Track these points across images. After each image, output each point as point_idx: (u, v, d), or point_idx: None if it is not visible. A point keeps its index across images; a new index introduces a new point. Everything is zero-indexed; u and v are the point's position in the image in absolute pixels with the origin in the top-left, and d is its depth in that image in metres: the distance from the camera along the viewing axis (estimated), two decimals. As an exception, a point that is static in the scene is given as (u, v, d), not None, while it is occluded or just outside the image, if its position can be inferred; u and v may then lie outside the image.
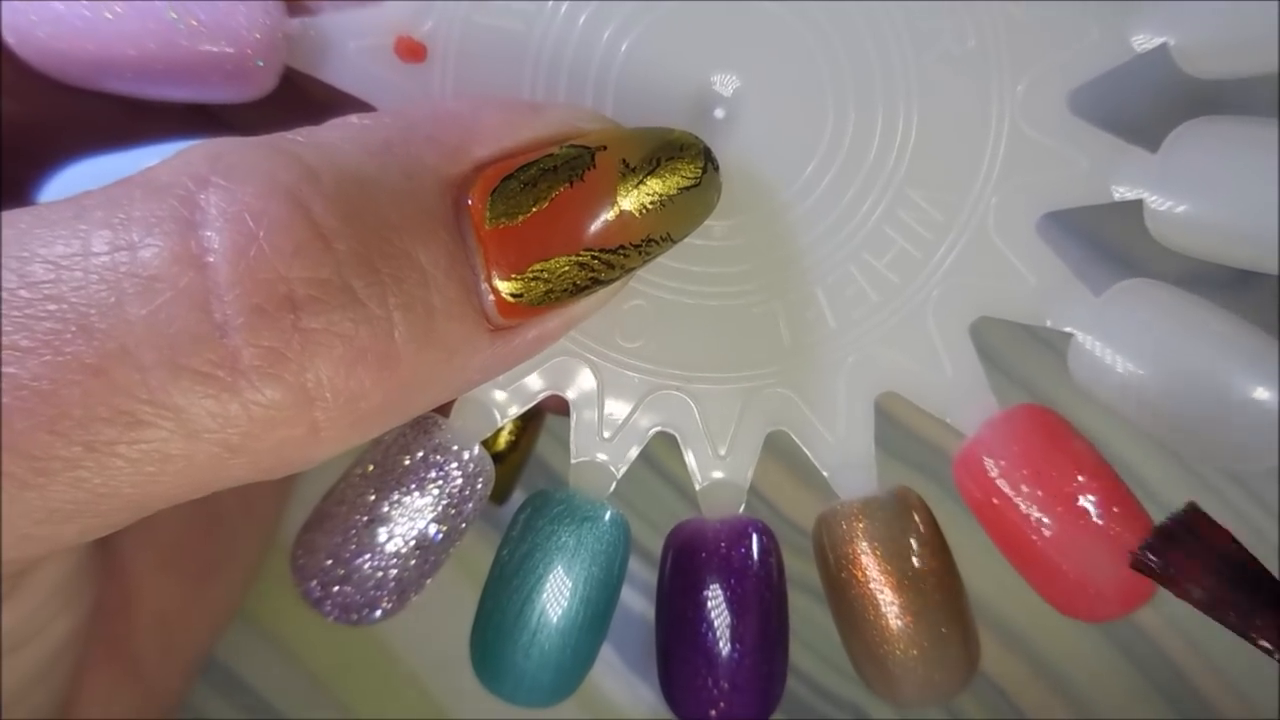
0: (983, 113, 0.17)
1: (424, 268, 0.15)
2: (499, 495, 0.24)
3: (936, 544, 0.19)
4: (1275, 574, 0.27)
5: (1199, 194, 0.17)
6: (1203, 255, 0.18)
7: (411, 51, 0.17)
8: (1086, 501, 0.18)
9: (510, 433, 0.23)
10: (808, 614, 0.25)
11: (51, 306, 0.13)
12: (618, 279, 0.16)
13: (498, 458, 0.22)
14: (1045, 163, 0.17)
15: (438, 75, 0.17)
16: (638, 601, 0.27)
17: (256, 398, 0.14)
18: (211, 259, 0.14)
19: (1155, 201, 0.17)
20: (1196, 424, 0.18)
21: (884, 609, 0.19)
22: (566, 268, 0.15)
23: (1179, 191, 0.17)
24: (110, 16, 0.17)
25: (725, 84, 0.17)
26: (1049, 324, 0.18)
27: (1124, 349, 0.18)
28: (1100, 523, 0.18)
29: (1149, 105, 0.19)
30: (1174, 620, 0.27)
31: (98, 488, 0.14)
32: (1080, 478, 0.18)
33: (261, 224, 0.14)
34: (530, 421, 0.23)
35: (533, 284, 0.15)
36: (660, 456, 0.26)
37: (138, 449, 0.14)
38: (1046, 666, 0.27)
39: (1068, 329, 0.18)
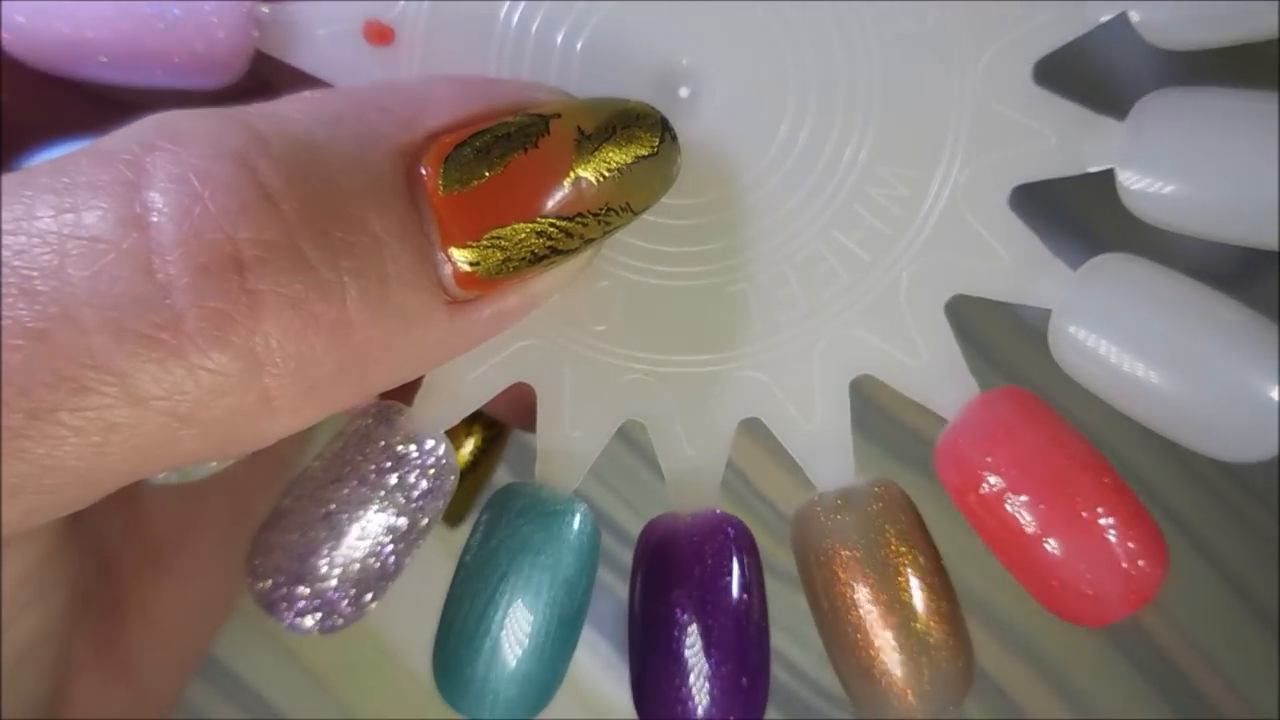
0: (946, 88, 0.16)
1: (377, 233, 0.14)
2: (455, 516, 0.22)
3: (919, 539, 0.17)
4: (1275, 575, 0.25)
5: (1170, 167, 0.16)
6: (1179, 229, 0.16)
7: (380, 35, 0.17)
8: (1077, 494, 0.17)
9: (473, 450, 0.22)
10: (808, 613, 0.23)
11: None
12: (577, 250, 0.15)
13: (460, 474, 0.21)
14: (1012, 137, 0.16)
15: (405, 58, 0.17)
16: (622, 588, 0.25)
17: (203, 362, 0.13)
18: (155, 219, 0.13)
19: (1126, 177, 0.16)
20: (1184, 410, 0.16)
21: (864, 611, 0.17)
22: (524, 235, 0.14)
23: (1149, 165, 0.16)
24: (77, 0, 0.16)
25: (690, 62, 0.16)
26: (1026, 301, 0.17)
27: (1104, 327, 0.16)
28: (1094, 517, 0.16)
29: (1119, 69, 0.18)
30: (1174, 620, 0.25)
31: (41, 459, 0.13)
32: (1069, 467, 0.17)
33: (207, 184, 0.13)
34: (494, 441, 0.22)
35: (489, 252, 0.14)
36: (642, 439, 0.25)
37: (81, 416, 0.13)
38: (1046, 666, 0.26)
39: (1045, 305, 0.17)
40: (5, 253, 0.13)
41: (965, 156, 0.16)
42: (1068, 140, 0.16)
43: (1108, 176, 0.16)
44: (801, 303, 0.17)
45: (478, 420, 0.22)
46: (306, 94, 0.15)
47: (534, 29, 0.16)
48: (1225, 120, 0.16)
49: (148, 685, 0.22)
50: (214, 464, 0.18)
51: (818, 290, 0.17)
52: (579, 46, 0.16)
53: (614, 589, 0.26)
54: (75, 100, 0.17)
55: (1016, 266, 0.16)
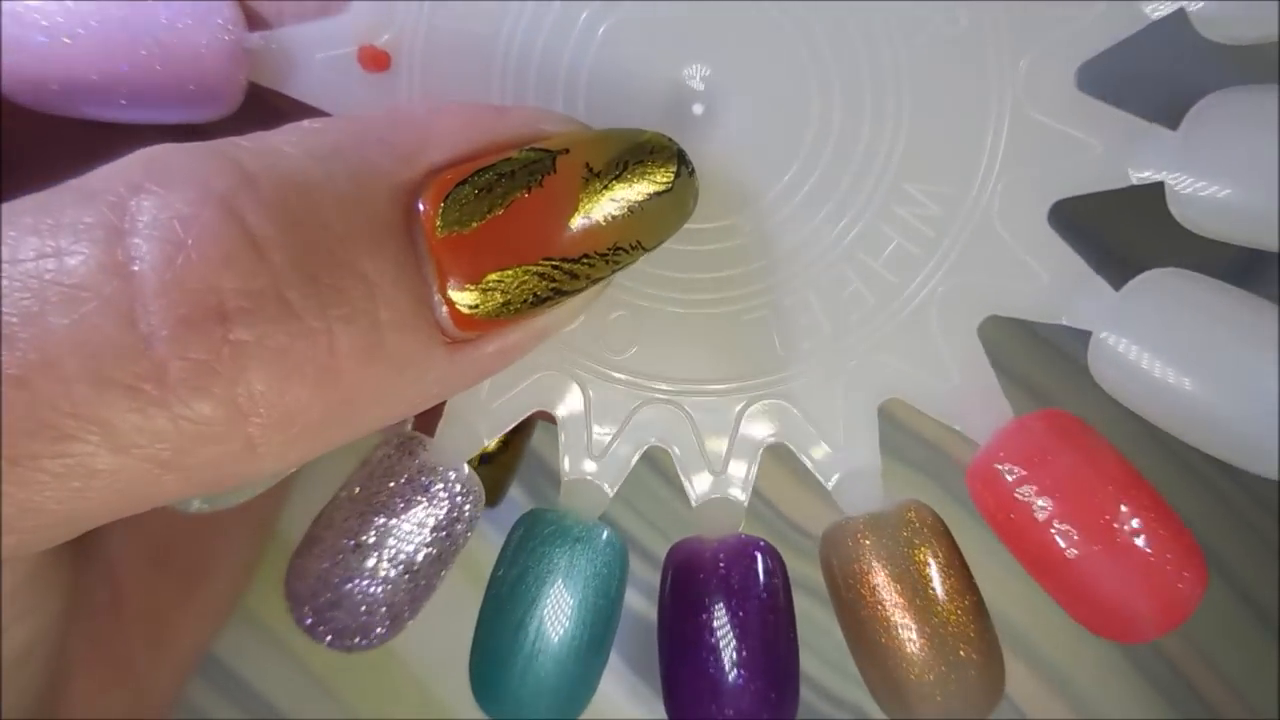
0: (982, 96, 0.15)
1: (369, 278, 0.13)
2: (493, 497, 0.22)
3: (951, 561, 0.17)
4: (1275, 575, 0.24)
5: (1228, 173, 0.15)
6: (1232, 239, 0.15)
7: (375, 60, 0.16)
8: (1118, 516, 0.16)
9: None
10: (809, 615, 0.23)
11: None
12: (584, 289, 0.14)
13: (489, 458, 0.21)
14: (1054, 147, 0.15)
15: (404, 83, 0.16)
16: (638, 601, 0.25)
17: (185, 412, 0.13)
18: (137, 267, 0.12)
19: (1179, 182, 0.15)
20: (1235, 428, 0.15)
21: (896, 631, 0.17)
22: (525, 278, 0.14)
23: (1206, 170, 0.15)
24: (69, 41, 0.15)
25: (702, 78, 0.15)
26: (1065, 321, 0.16)
27: (1151, 345, 0.15)
28: (1134, 538, 0.16)
29: (1166, 78, 0.17)
30: None
31: (22, 503, 0.13)
32: (1109, 489, 0.16)
33: (191, 231, 0.13)
34: (519, 429, 0.22)
35: (488, 295, 0.14)
36: (666, 463, 0.25)
37: (62, 463, 0.13)
38: (1046, 666, 0.25)
39: (1086, 326, 0.16)
40: None
41: (1002, 170, 0.15)
42: (1114, 150, 0.15)
43: (1133, 196, 0.15)
44: (825, 329, 0.16)
45: None
46: (304, 124, 0.14)
47: (538, 48, 0.15)
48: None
49: (147, 686, 0.22)
50: (248, 493, 0.18)
51: (843, 316, 0.16)
52: (586, 65, 0.15)
53: (629, 604, 0.26)
54: (70, 123, 0.17)
55: (1055, 285, 0.15)
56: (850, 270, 0.16)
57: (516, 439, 0.22)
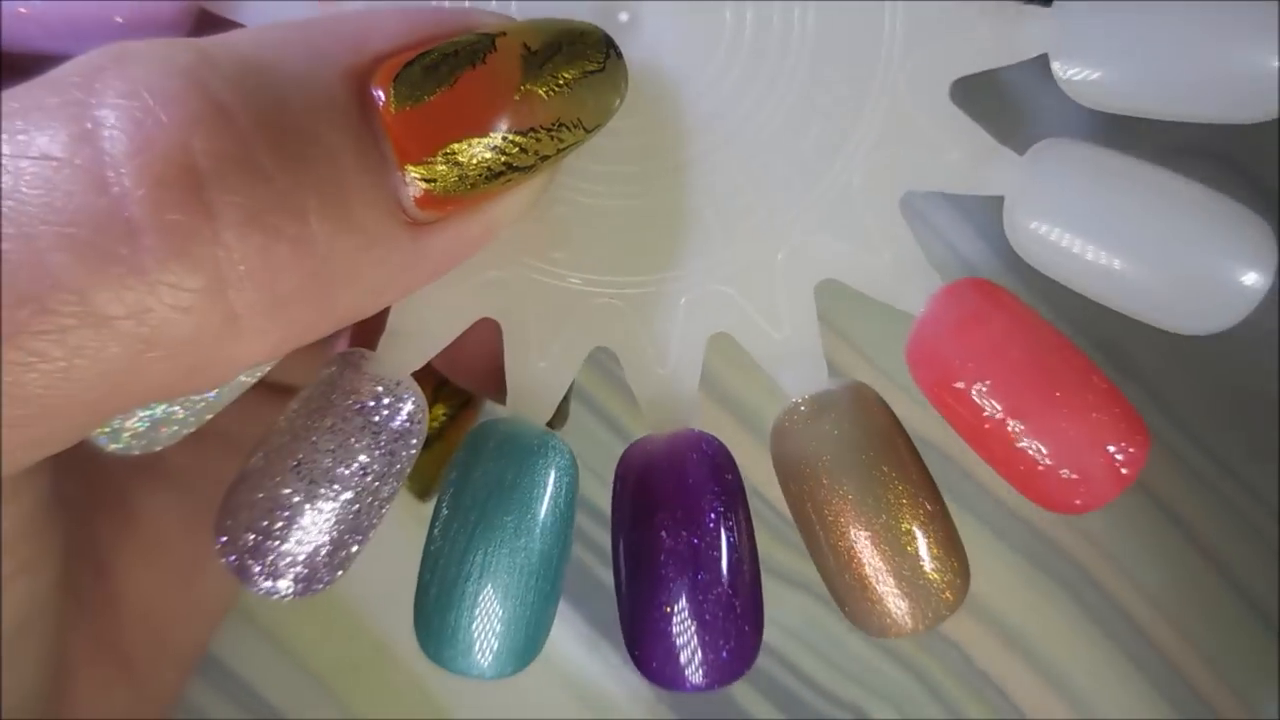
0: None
1: (332, 147, 0.14)
2: (423, 489, 0.21)
3: (898, 441, 0.17)
4: (1275, 575, 0.25)
5: (1099, 52, 0.16)
6: (1121, 111, 0.17)
7: (322, -14, 0.17)
8: (1052, 377, 0.16)
9: (440, 419, 0.21)
10: (808, 613, 0.23)
11: None
12: (533, 169, 0.15)
13: (428, 443, 0.20)
14: (947, 27, 0.16)
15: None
16: None
17: (163, 276, 0.13)
18: (107, 134, 0.13)
19: (1059, 67, 0.16)
20: (1145, 286, 0.16)
21: (847, 520, 0.16)
22: (478, 150, 0.14)
23: (1079, 52, 0.16)
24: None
25: (627, -13, 0.17)
26: (978, 191, 0.17)
27: (1058, 213, 0.16)
28: (1070, 399, 0.16)
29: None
30: (1174, 620, 0.25)
31: (8, 388, 0.12)
32: (1040, 350, 0.16)
33: (158, 98, 0.13)
34: (463, 409, 0.21)
35: (445, 169, 0.14)
36: (603, 400, 0.25)
37: (44, 339, 0.12)
38: (1046, 666, 0.25)
39: (996, 193, 0.16)
40: None
41: (904, 51, 0.16)
42: (1000, 31, 0.16)
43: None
44: (758, 212, 0.16)
45: (444, 388, 0.21)
46: (253, 27, 0.15)
47: (473, -33, 0.16)
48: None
49: (148, 684, 0.22)
50: (175, 428, 0.17)
51: (774, 198, 0.16)
52: (517, -17, 0.16)
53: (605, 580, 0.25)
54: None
55: (965, 158, 0.16)
56: (777, 155, 0.16)
57: (454, 428, 0.22)
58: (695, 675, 0.16)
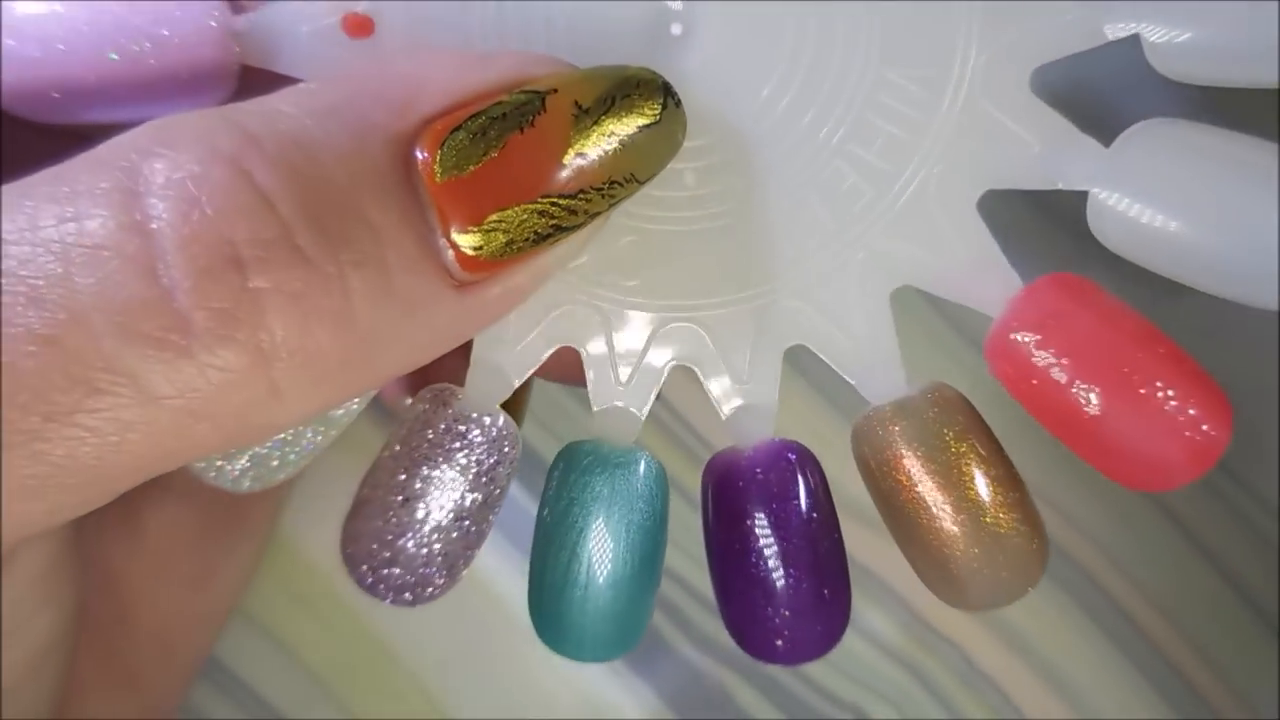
0: (950, -26, 0.15)
1: (375, 224, 0.14)
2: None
3: (980, 436, 0.17)
4: (1275, 575, 0.24)
5: (1199, 18, 0.15)
6: (1211, 80, 0.15)
7: (359, 27, 0.16)
8: (1138, 368, 0.16)
9: None
10: None
11: (0, 281, 0.13)
12: (583, 225, 0.15)
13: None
14: (1029, 13, 0.15)
15: (389, 46, 0.16)
16: None
17: (211, 360, 0.13)
18: (155, 225, 0.13)
19: (1152, 32, 0.15)
20: (1238, 266, 0.16)
21: (935, 512, 0.17)
22: (525, 216, 0.14)
23: (1176, 19, 0.15)
24: (63, 48, 0.16)
25: (679, -2, 0.15)
26: (1061, 185, 0.16)
27: (1148, 196, 0.15)
28: (1153, 390, 0.16)
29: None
30: (1174, 620, 0.25)
31: (60, 460, 0.13)
32: (1126, 343, 0.16)
33: (203, 189, 0.13)
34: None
35: (491, 235, 0.14)
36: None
37: (97, 417, 0.13)
38: (1046, 666, 0.25)
39: (1082, 186, 0.16)
40: (10, 262, 0.13)
41: (980, 44, 0.15)
42: (1086, 10, 0.15)
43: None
44: (829, 224, 0.16)
45: None
46: (301, 86, 0.15)
47: (513, -9, 0.16)
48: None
49: (154, 694, 0.22)
50: (290, 469, 0.18)
51: (844, 208, 0.16)
52: (562, 6, 0.16)
53: None
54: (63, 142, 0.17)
55: (1046, 152, 0.16)
56: (845, 164, 0.16)
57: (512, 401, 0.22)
58: (790, 653, 0.18)
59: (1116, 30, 0.15)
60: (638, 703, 0.26)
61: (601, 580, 0.17)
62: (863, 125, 0.16)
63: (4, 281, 0.13)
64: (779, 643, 0.18)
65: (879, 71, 0.15)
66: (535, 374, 0.20)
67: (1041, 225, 0.21)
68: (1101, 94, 0.19)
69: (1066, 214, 0.16)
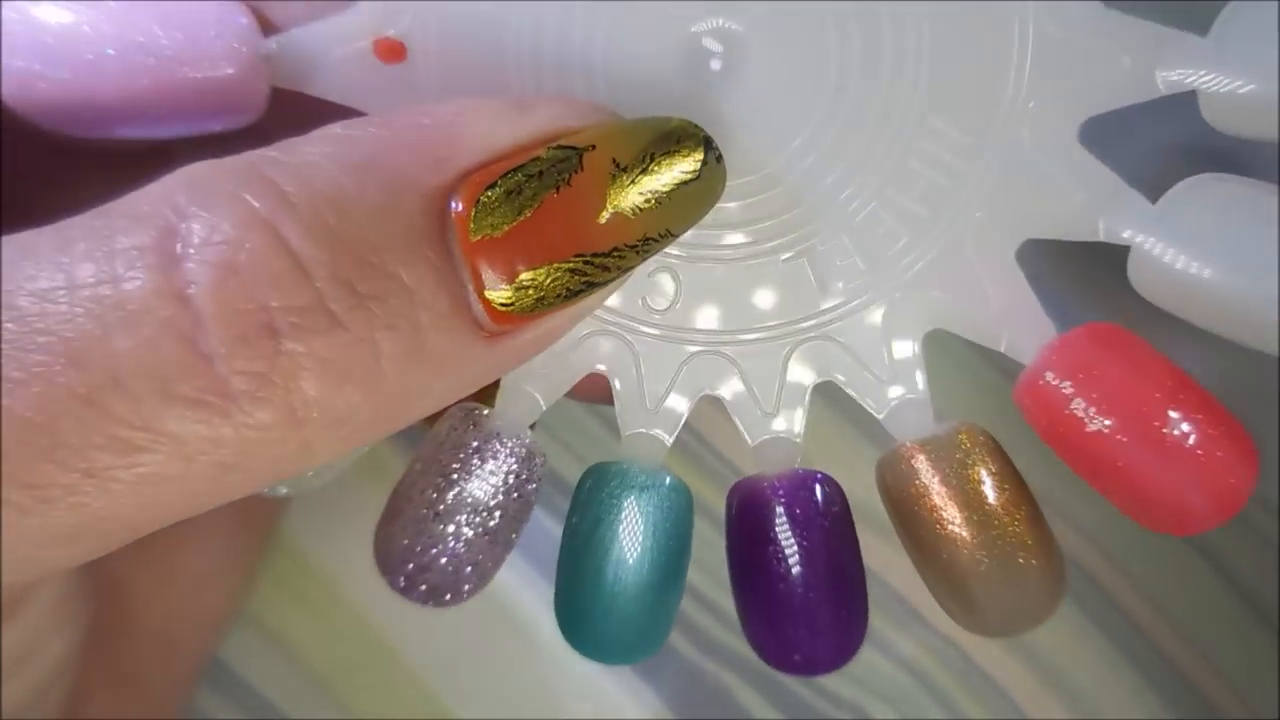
0: (1002, 20, 0.15)
1: (408, 285, 0.14)
2: None
3: (1005, 476, 0.17)
4: (1275, 575, 0.24)
5: (1260, 69, 0.14)
6: (1266, 137, 0.15)
7: (391, 52, 0.16)
8: (1168, 421, 0.16)
9: None
10: None
11: (41, 339, 0.13)
12: (615, 279, 0.14)
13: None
14: (1079, 64, 0.15)
15: (421, 72, 0.16)
16: None
17: (247, 420, 0.13)
18: (192, 291, 0.13)
19: (1210, 84, 0.15)
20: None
21: (958, 545, 0.17)
22: (557, 274, 0.14)
23: (1236, 69, 0.14)
24: (92, 57, 0.15)
25: (718, 33, 0.15)
26: (1101, 236, 0.16)
27: (1190, 249, 0.15)
28: (1185, 441, 0.16)
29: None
30: (1174, 620, 0.25)
31: (98, 511, 0.13)
32: (1158, 395, 0.16)
33: (239, 255, 0.13)
34: None
35: (523, 293, 0.14)
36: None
37: (135, 473, 0.13)
38: (1046, 666, 0.25)
39: (1125, 238, 0.15)
40: (51, 320, 0.13)
41: (1029, 92, 0.15)
42: (1141, 60, 0.14)
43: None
44: (863, 269, 0.16)
45: None
46: (336, 130, 0.14)
47: (551, 21, 0.15)
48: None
49: (156, 696, 0.23)
50: (320, 481, 0.19)
51: (879, 252, 0.16)
52: (601, 34, 0.15)
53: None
54: (66, 153, 0.17)
55: (1090, 202, 0.15)
56: (882, 209, 0.16)
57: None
58: (808, 666, 0.18)
59: (1171, 82, 0.15)
60: (638, 703, 0.26)
61: (627, 593, 0.18)
62: (903, 170, 0.15)
63: (44, 340, 0.13)
64: (796, 657, 0.18)
65: (923, 118, 0.15)
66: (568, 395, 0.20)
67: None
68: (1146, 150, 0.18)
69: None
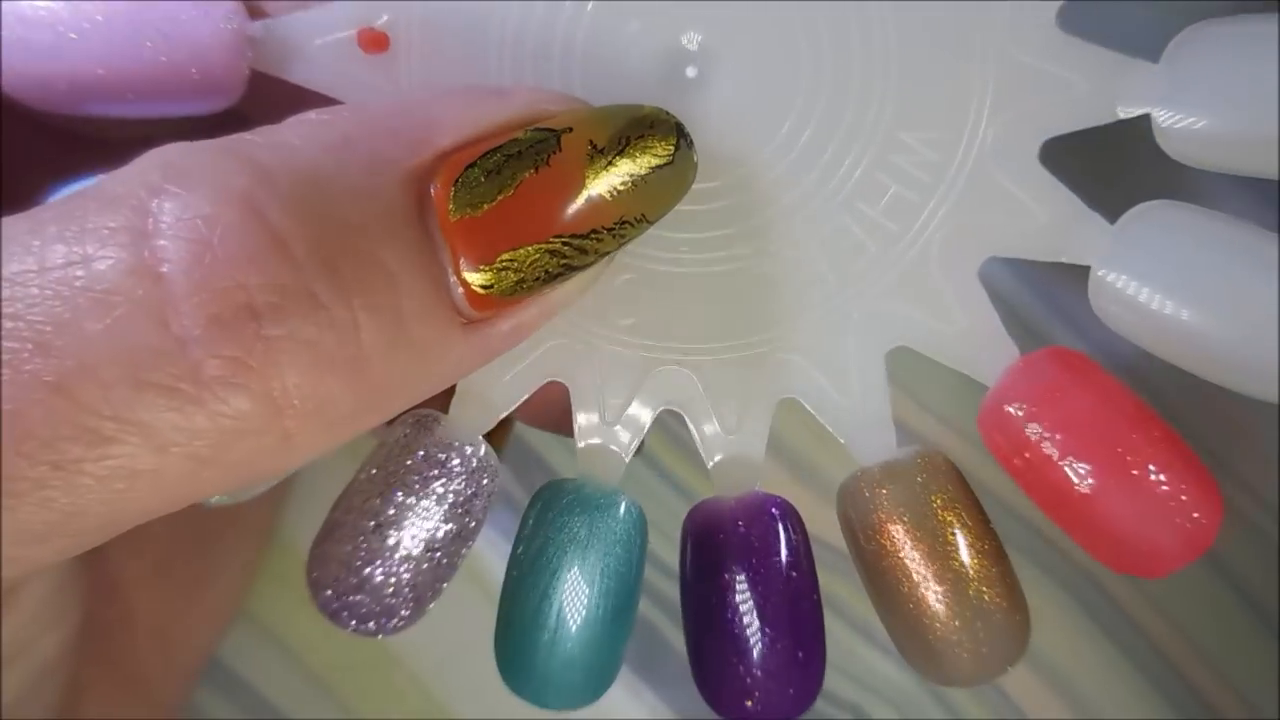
0: (968, 42, 0.15)
1: (389, 267, 0.13)
2: None
3: (967, 505, 0.16)
4: (1275, 575, 0.24)
5: (1212, 103, 0.15)
6: (1222, 168, 0.15)
7: (374, 43, 0.16)
8: (1130, 449, 0.16)
9: None
10: None
11: (9, 325, 0.12)
12: (593, 264, 0.14)
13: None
14: (1041, 88, 0.15)
15: (403, 64, 0.16)
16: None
17: (222, 409, 0.13)
18: (166, 269, 0.13)
19: (1165, 117, 0.15)
20: (1235, 354, 0.16)
21: (917, 579, 0.16)
22: (537, 256, 0.14)
23: (1190, 102, 0.15)
24: (75, 36, 0.15)
25: (695, 40, 0.15)
26: (1063, 258, 0.16)
27: (1149, 277, 0.15)
28: (1146, 474, 0.16)
29: (1147, 13, 0.17)
30: (1174, 620, 0.24)
31: (66, 507, 0.13)
32: (1120, 423, 0.16)
33: (215, 231, 0.13)
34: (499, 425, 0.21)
35: (502, 274, 0.14)
36: (658, 454, 0.25)
37: (105, 465, 0.13)
38: (1046, 666, 0.25)
39: (1085, 262, 0.16)
40: (17, 306, 0.12)
41: (992, 112, 0.15)
42: (1099, 86, 0.15)
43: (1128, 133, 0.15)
44: (830, 280, 0.16)
45: None
46: (311, 116, 0.14)
47: (533, 20, 0.15)
48: (1266, 47, 0.15)
49: (159, 697, 0.22)
50: (261, 486, 0.18)
51: (845, 265, 0.16)
52: (581, 34, 0.15)
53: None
54: (63, 142, 0.17)
55: (1052, 224, 0.15)
56: (850, 220, 0.16)
57: (493, 438, 0.22)
58: (761, 713, 0.17)
59: (1128, 110, 0.15)
60: (638, 703, 0.25)
61: (571, 625, 0.17)
62: (871, 183, 0.15)
63: (11, 326, 0.12)
64: (749, 703, 0.17)
65: (891, 132, 0.15)
66: (524, 419, 0.19)
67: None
68: (1110, 170, 0.19)
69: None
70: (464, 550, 0.17)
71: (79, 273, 0.13)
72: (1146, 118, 0.15)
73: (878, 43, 0.15)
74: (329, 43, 0.16)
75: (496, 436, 0.22)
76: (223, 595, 0.24)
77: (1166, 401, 0.24)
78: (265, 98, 0.16)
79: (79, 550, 0.14)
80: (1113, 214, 0.16)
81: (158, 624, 0.22)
